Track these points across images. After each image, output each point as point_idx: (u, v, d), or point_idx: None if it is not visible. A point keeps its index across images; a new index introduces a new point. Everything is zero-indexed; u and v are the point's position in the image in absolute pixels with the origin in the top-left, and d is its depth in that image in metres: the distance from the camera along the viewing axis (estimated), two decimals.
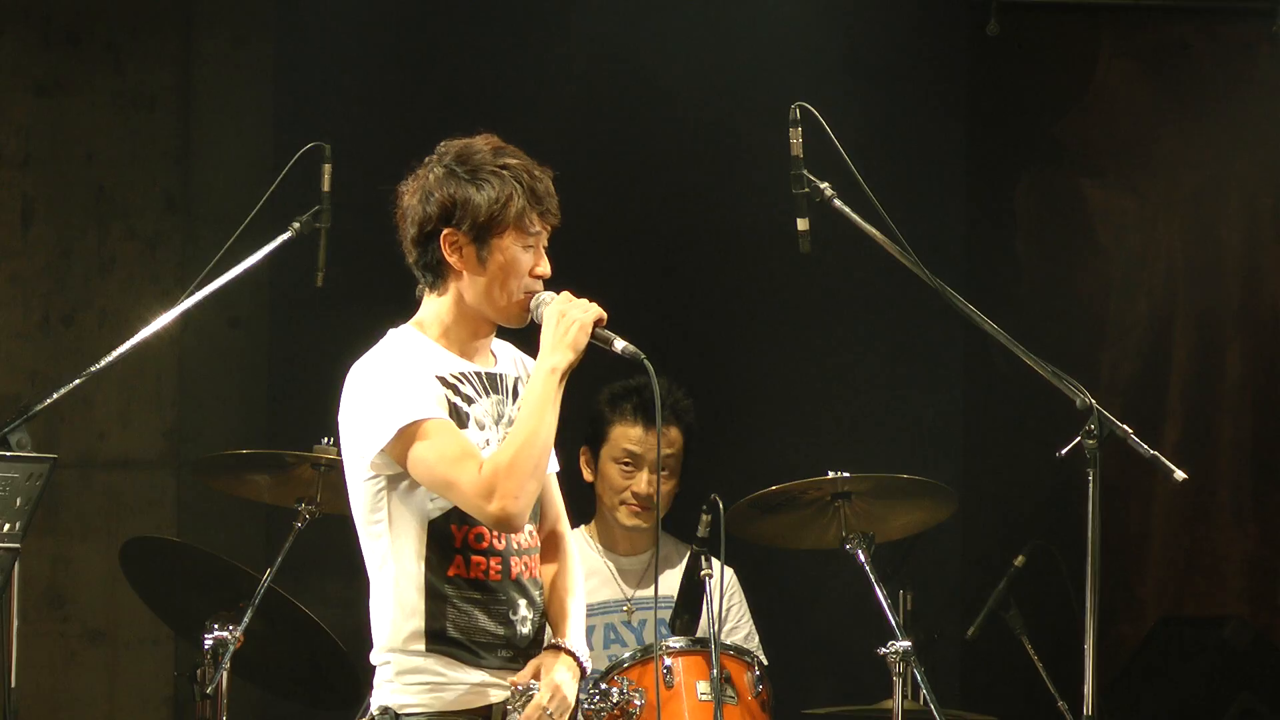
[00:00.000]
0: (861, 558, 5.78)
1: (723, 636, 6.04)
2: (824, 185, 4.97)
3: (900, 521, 6.03)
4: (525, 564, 4.35)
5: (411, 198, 4.36)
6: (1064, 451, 4.77)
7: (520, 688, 4.29)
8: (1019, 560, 6.53)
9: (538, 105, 7.27)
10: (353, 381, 4.31)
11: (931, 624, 6.32)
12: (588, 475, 6.18)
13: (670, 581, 6.15)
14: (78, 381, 5.33)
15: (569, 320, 4.25)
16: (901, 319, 7.49)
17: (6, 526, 5.00)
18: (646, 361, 4.29)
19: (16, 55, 7.27)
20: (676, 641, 5.71)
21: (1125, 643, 7.69)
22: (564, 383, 4.25)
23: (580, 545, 6.09)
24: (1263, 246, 7.86)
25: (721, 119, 7.46)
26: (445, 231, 4.30)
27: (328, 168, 5.53)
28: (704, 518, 5.73)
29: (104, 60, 7.33)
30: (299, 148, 5.49)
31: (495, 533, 4.29)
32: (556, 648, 4.36)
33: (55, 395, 5.29)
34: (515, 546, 4.33)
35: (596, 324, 4.28)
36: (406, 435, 4.20)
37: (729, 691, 5.66)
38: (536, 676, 4.30)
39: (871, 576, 5.74)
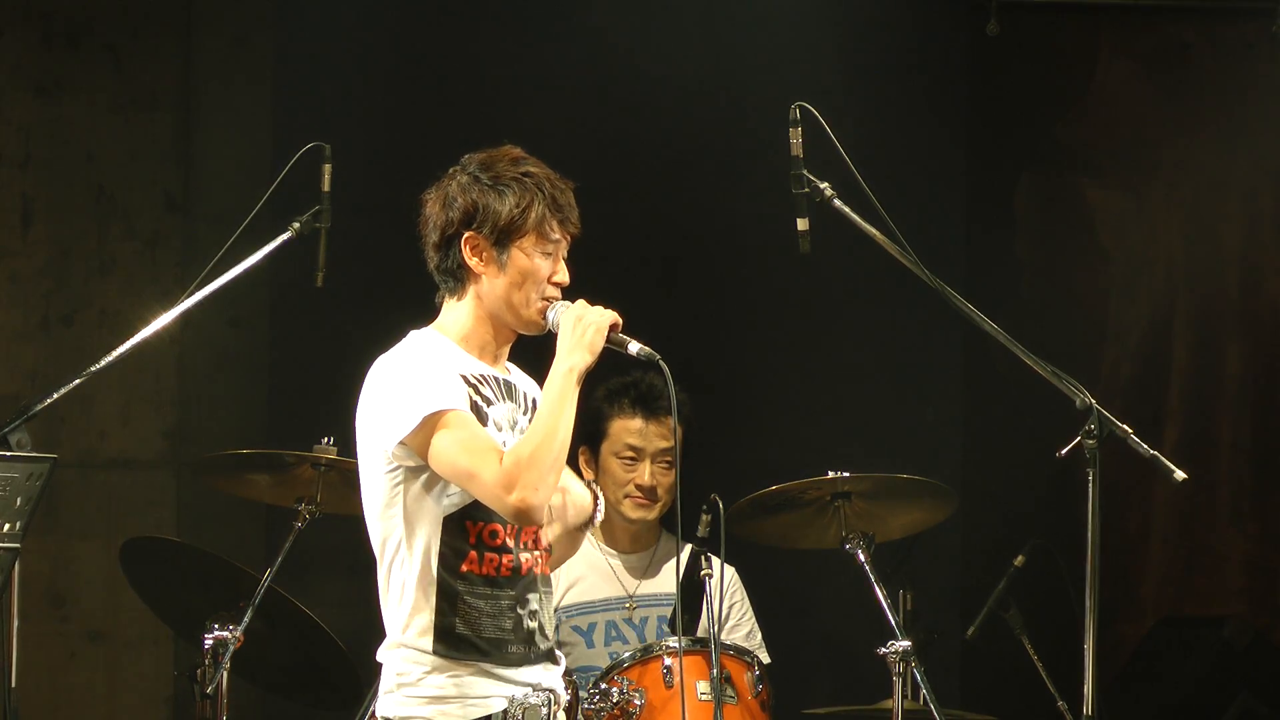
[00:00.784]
0: (861, 558, 5.78)
1: (725, 634, 6.05)
2: (824, 185, 4.97)
3: (900, 521, 6.04)
4: (537, 560, 4.39)
5: (434, 205, 4.42)
6: (1064, 451, 4.77)
7: (518, 696, 4.31)
8: (1019, 560, 6.54)
9: (538, 105, 7.27)
10: (376, 374, 4.35)
11: (931, 624, 6.32)
12: (588, 475, 6.18)
13: (671, 579, 6.16)
14: (78, 381, 5.33)
15: (586, 323, 4.32)
16: (901, 319, 7.49)
17: (6, 526, 5.00)
18: (662, 362, 4.35)
19: (16, 55, 7.27)
20: (677, 641, 5.71)
21: (1125, 643, 7.69)
22: (580, 384, 4.30)
23: (583, 545, 6.09)
24: (1263, 246, 7.87)
25: (721, 119, 7.46)
26: (467, 235, 4.36)
27: (328, 168, 5.53)
28: (704, 518, 5.73)
29: (104, 60, 7.33)
30: (299, 148, 5.49)
31: (509, 529, 4.32)
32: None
33: (55, 395, 5.28)
34: (527, 544, 4.36)
35: (612, 328, 4.34)
36: (429, 424, 4.24)
37: (729, 691, 5.67)
38: None
39: (871, 576, 5.74)
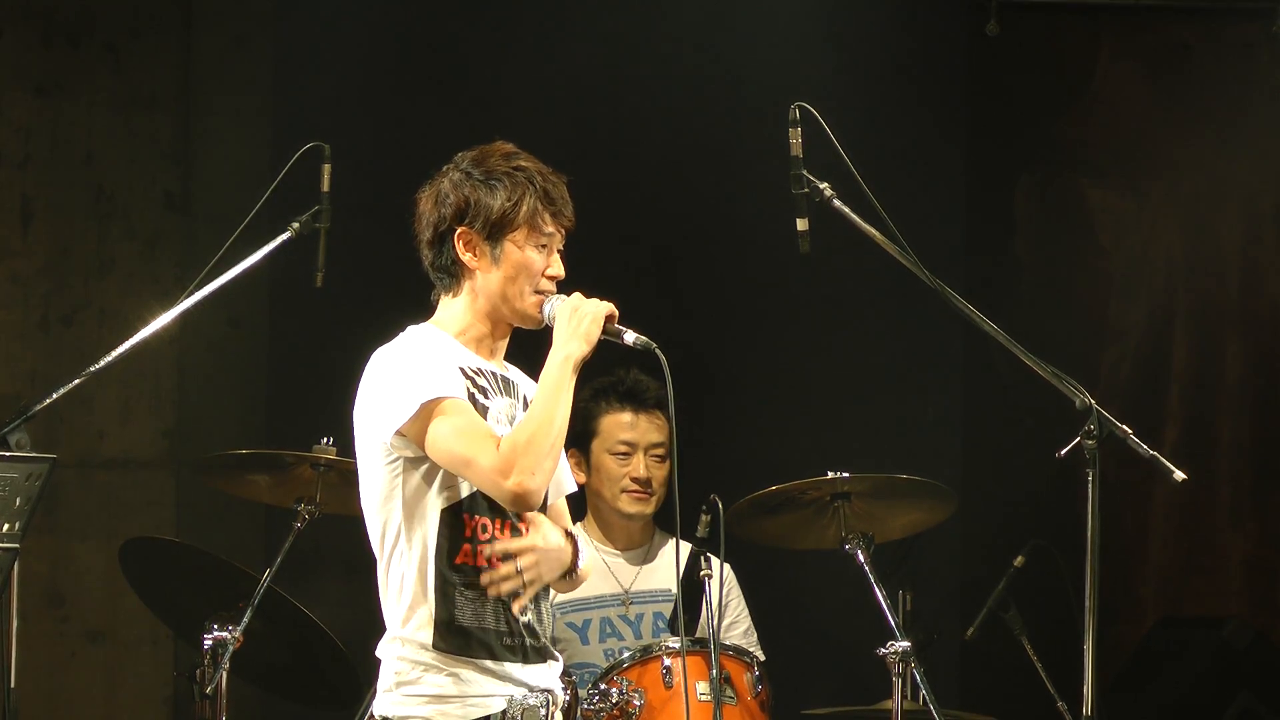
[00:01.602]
0: (861, 558, 5.78)
1: (723, 631, 6.05)
2: (823, 185, 4.96)
3: (900, 521, 6.04)
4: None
5: (427, 202, 4.44)
6: (1064, 452, 4.77)
7: (517, 697, 4.31)
8: (1019, 560, 6.54)
9: (538, 105, 7.27)
10: (373, 366, 4.36)
11: (931, 624, 6.32)
12: (580, 477, 6.18)
13: (667, 576, 6.16)
14: (77, 381, 5.33)
15: (582, 314, 4.33)
16: (901, 319, 7.49)
17: (6, 526, 5.00)
18: (658, 351, 4.35)
19: (16, 55, 7.27)
20: (676, 642, 5.71)
21: (1125, 643, 7.69)
22: (576, 374, 4.31)
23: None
24: (1263, 246, 7.87)
25: (721, 119, 7.46)
26: (459, 230, 4.38)
27: (327, 168, 5.53)
28: (704, 518, 5.74)
29: (104, 60, 7.33)
30: (299, 148, 5.49)
31: (499, 524, 4.32)
32: (567, 532, 4.42)
33: (55, 395, 5.28)
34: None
35: (609, 319, 4.35)
36: (426, 412, 4.25)
37: (729, 692, 5.67)
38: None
39: (871, 576, 5.74)
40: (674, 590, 5.96)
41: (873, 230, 4.93)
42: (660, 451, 6.20)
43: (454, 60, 7.37)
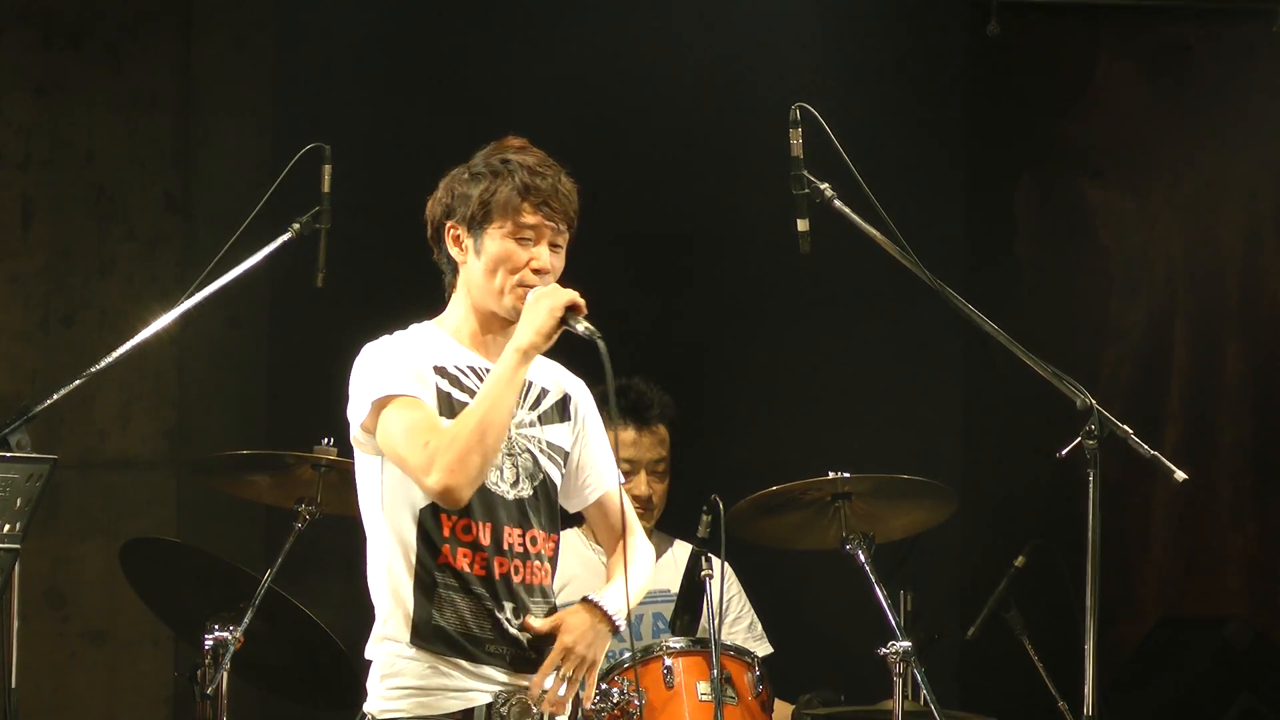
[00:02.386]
0: (861, 558, 5.78)
1: (728, 628, 6.05)
2: (824, 186, 4.96)
3: (900, 522, 6.03)
4: (515, 567, 4.33)
5: (430, 202, 4.47)
6: (1064, 452, 4.77)
7: (506, 690, 4.29)
8: (1019, 560, 6.54)
9: (538, 105, 7.27)
10: (355, 362, 4.37)
11: (931, 624, 6.32)
12: None
13: (666, 576, 6.16)
14: (78, 382, 5.32)
15: (540, 304, 4.26)
16: (901, 319, 7.49)
17: (6, 527, 5.00)
18: (600, 341, 4.25)
19: (16, 55, 7.27)
20: (677, 642, 5.71)
21: (1125, 643, 7.69)
22: (525, 365, 4.25)
23: (575, 545, 6.09)
24: (1263, 246, 7.87)
25: (721, 119, 7.46)
26: (448, 224, 4.40)
27: (328, 168, 5.52)
28: (704, 518, 5.73)
29: (104, 60, 7.33)
30: (299, 148, 5.48)
31: (481, 525, 4.28)
32: (583, 599, 4.38)
33: (55, 395, 5.27)
34: (504, 548, 4.31)
35: (573, 309, 4.27)
36: (377, 409, 4.26)
37: (729, 692, 5.67)
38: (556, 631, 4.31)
39: (871, 576, 5.74)
40: (673, 591, 5.95)
41: (873, 230, 4.93)
42: (661, 468, 6.19)
43: (454, 60, 7.37)
